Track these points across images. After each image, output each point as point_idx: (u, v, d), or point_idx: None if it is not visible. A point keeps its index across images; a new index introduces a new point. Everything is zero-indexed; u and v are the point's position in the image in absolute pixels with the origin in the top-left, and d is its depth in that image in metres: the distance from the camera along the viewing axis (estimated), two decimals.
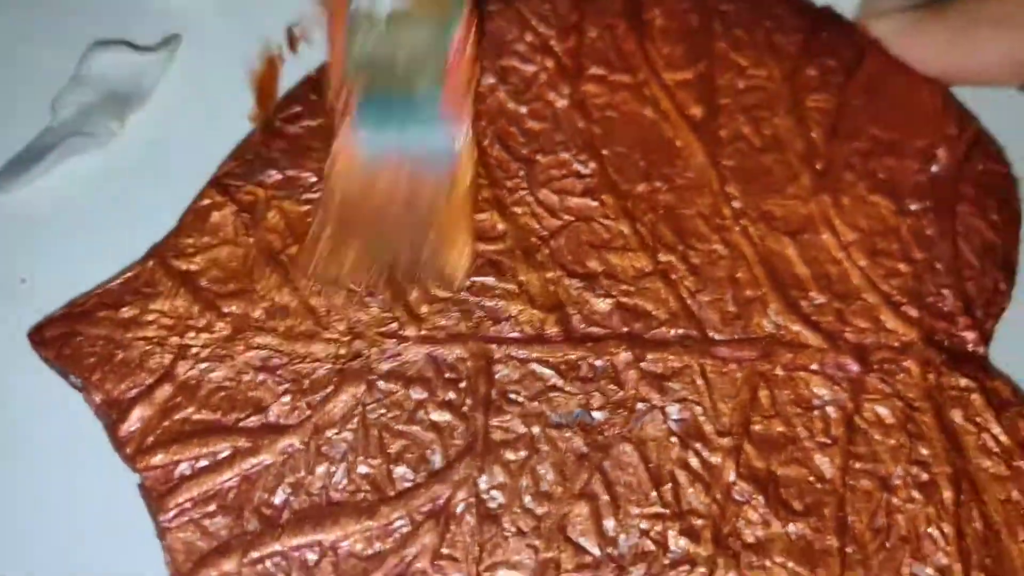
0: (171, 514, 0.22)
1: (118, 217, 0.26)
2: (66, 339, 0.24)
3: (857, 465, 0.24)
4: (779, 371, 0.25)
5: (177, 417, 0.23)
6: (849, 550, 0.23)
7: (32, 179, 0.27)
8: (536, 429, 0.23)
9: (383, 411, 0.23)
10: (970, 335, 0.26)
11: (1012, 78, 0.28)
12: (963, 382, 0.25)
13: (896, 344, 0.25)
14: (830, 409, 0.24)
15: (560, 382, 0.24)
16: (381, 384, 0.24)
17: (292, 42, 0.29)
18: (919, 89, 0.29)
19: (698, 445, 0.24)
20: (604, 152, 0.27)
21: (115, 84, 0.28)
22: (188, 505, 0.22)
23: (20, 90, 0.28)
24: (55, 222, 0.27)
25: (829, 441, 0.24)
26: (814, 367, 0.25)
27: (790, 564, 0.23)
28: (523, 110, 0.28)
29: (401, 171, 0.25)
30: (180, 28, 0.29)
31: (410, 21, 0.26)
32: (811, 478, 0.24)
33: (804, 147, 0.28)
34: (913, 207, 0.27)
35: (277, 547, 0.22)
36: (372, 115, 0.26)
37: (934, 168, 0.28)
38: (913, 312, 0.26)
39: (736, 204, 0.27)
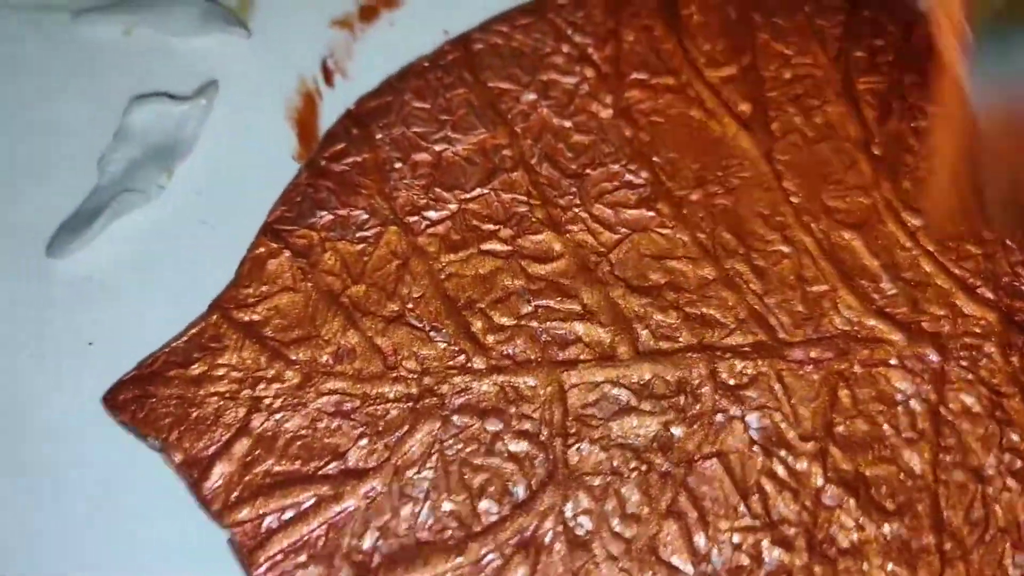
0: (263, 568, 0.22)
1: (176, 271, 0.26)
2: (140, 401, 0.24)
3: (947, 458, 0.23)
4: (857, 368, 0.24)
5: (258, 470, 0.23)
6: (948, 546, 0.23)
7: (86, 241, 0.27)
8: (616, 452, 0.23)
9: (460, 446, 0.23)
10: None
11: None
12: None
13: (976, 329, 0.25)
14: (914, 403, 0.24)
15: (635, 401, 0.24)
16: (455, 419, 0.23)
17: (327, 76, 0.29)
18: None
19: (782, 452, 0.23)
20: (655, 159, 0.27)
21: (158, 137, 0.28)
22: (279, 557, 0.22)
23: (65, 151, 0.28)
24: (114, 282, 0.27)
25: (916, 436, 0.24)
26: (893, 361, 0.24)
27: (889, 566, 0.22)
28: (567, 124, 0.27)
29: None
30: (213, 71, 0.29)
31: None
32: (901, 476, 0.23)
33: (859, 132, 0.27)
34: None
35: None
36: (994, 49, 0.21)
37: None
38: (989, 294, 0.25)
39: (795, 200, 0.26)
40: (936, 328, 0.25)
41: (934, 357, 0.24)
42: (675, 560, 0.22)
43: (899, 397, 0.24)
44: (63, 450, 0.24)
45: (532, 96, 0.28)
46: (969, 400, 0.24)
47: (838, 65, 0.28)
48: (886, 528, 0.23)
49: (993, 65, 0.21)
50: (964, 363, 0.24)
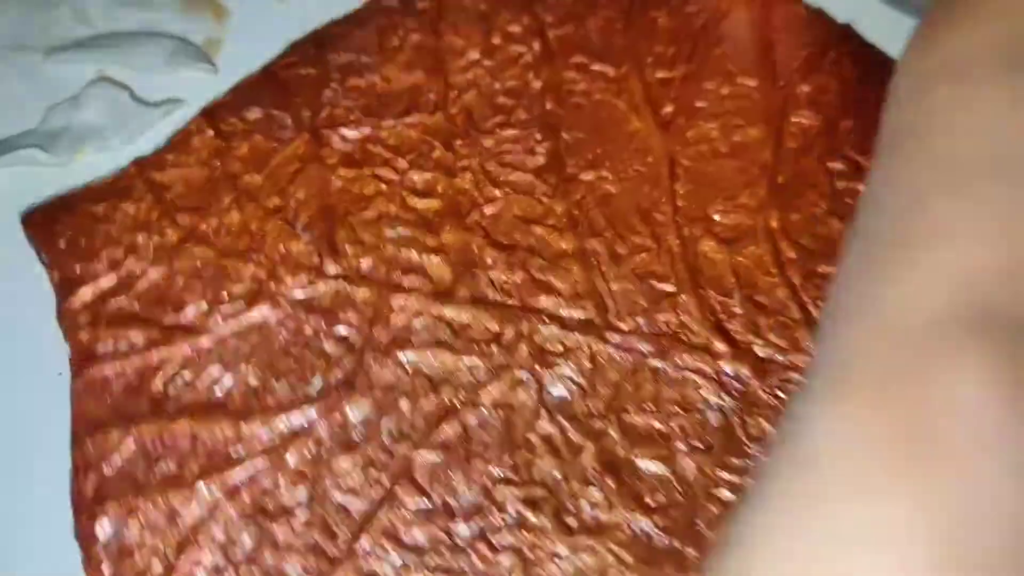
0: (81, 383, 0.25)
1: None
2: (48, 224, 0.27)
3: (724, 475, 0.23)
4: (670, 369, 0.24)
5: (112, 303, 0.26)
6: (691, 554, 0.23)
7: None
8: (416, 377, 0.25)
9: (283, 332, 0.25)
10: None
11: None
12: None
13: (805, 366, 0.24)
14: (711, 415, 0.24)
15: (451, 339, 0.25)
16: (288, 308, 0.26)
17: None
18: None
19: (564, 422, 0.24)
20: (563, 135, 0.28)
21: (101, 119, 0.29)
22: (99, 378, 0.25)
23: (42, 89, 0.30)
24: None
25: (702, 447, 0.24)
26: (709, 371, 0.24)
27: (624, 554, 0.23)
28: (497, 86, 0.29)
29: None
30: (185, 97, 0.30)
31: None
32: (673, 479, 0.23)
33: (771, 159, 0.27)
34: None
35: (156, 428, 0.24)
36: None
37: None
38: None
39: (680, 203, 0.27)
40: (766, 354, 0.25)
41: (751, 379, 0.24)
42: (423, 483, 0.23)
43: (701, 405, 0.24)
44: None
45: (476, 55, 0.29)
46: (769, 428, 0.24)
47: (779, 94, 0.28)
48: (637, 519, 0.23)
49: None
50: (780, 393, 0.24)
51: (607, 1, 0.30)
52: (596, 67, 0.29)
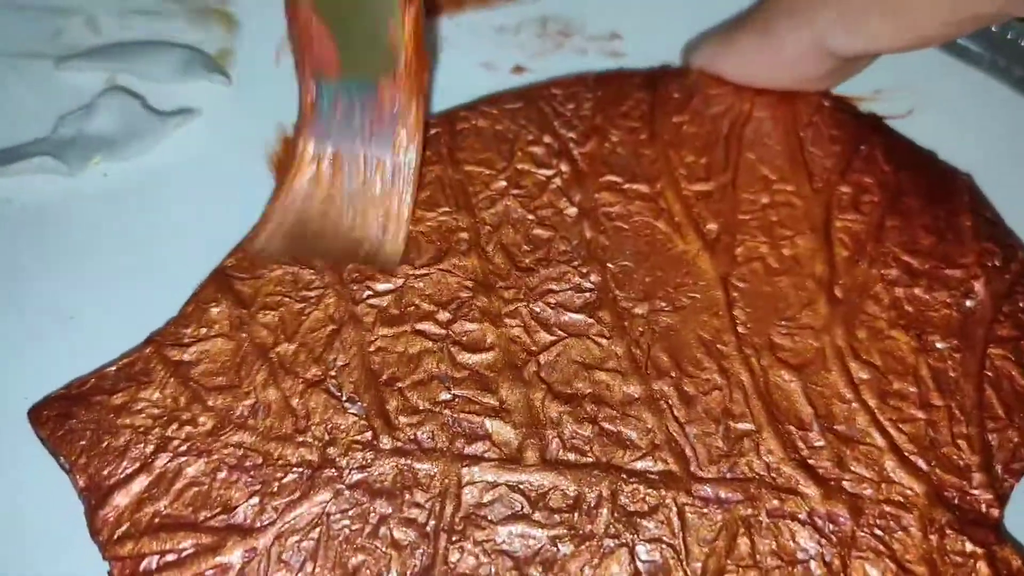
0: None
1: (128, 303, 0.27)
2: (60, 420, 0.25)
3: None
4: (764, 517, 0.23)
5: (149, 509, 0.24)
6: None
7: None
8: (497, 558, 0.23)
9: (347, 522, 0.23)
10: (985, 495, 0.24)
11: (821, 70, 0.28)
12: (969, 547, 0.23)
13: (899, 499, 0.24)
14: (814, 565, 0.23)
15: (529, 509, 0.23)
16: (348, 494, 0.24)
17: None
18: (959, 213, 0.27)
19: None
20: (609, 265, 0.27)
21: (112, 128, 0.29)
22: None
23: (52, 97, 0.30)
24: None
25: None
26: (802, 516, 0.23)
27: None
28: (531, 216, 0.27)
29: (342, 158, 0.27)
30: (198, 107, 0.30)
31: None
32: None
33: (825, 271, 0.26)
34: (939, 345, 0.25)
35: None
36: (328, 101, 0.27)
37: (968, 303, 0.26)
38: (923, 463, 0.24)
39: (742, 330, 0.26)
40: (857, 489, 0.24)
41: (846, 520, 0.23)
42: None
43: (800, 555, 0.23)
44: None
45: (503, 183, 0.28)
46: (874, 572, 0.23)
47: (820, 198, 0.28)
48: None
49: None
50: (878, 531, 0.23)
51: (627, 110, 0.29)
52: (629, 186, 0.28)
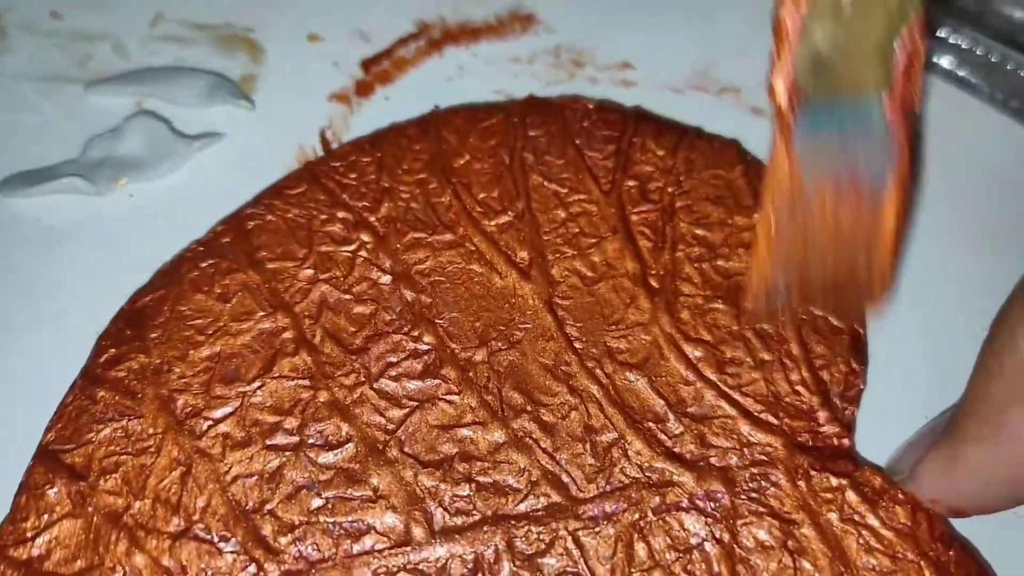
0: None
1: None
2: None
3: None
4: (651, 516, 0.24)
5: None
6: None
7: (28, 195, 0.30)
8: None
9: None
10: (833, 428, 0.26)
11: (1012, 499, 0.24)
12: (834, 481, 0.25)
13: (762, 457, 0.25)
14: (708, 545, 0.24)
15: None
16: None
17: (325, 145, 0.31)
18: (733, 174, 0.29)
19: None
20: (438, 322, 0.27)
21: (139, 151, 0.31)
22: None
23: (82, 120, 0.32)
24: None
25: None
26: (684, 503, 0.24)
27: None
28: (347, 297, 0.27)
29: (835, 185, 0.23)
30: (223, 131, 0.32)
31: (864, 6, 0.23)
32: None
33: (636, 266, 0.28)
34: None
35: None
36: (814, 121, 0.23)
37: None
38: (772, 418, 0.26)
39: (579, 345, 0.26)
40: (724, 462, 0.25)
41: (723, 493, 0.25)
42: None
43: (693, 541, 0.24)
44: None
45: (310, 271, 0.27)
46: (761, 534, 0.24)
47: (611, 198, 0.29)
48: None
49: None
50: (754, 495, 0.25)
51: (408, 165, 0.29)
52: (434, 238, 0.28)
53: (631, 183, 0.29)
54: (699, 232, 0.28)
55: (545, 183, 0.29)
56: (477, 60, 0.34)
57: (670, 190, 0.29)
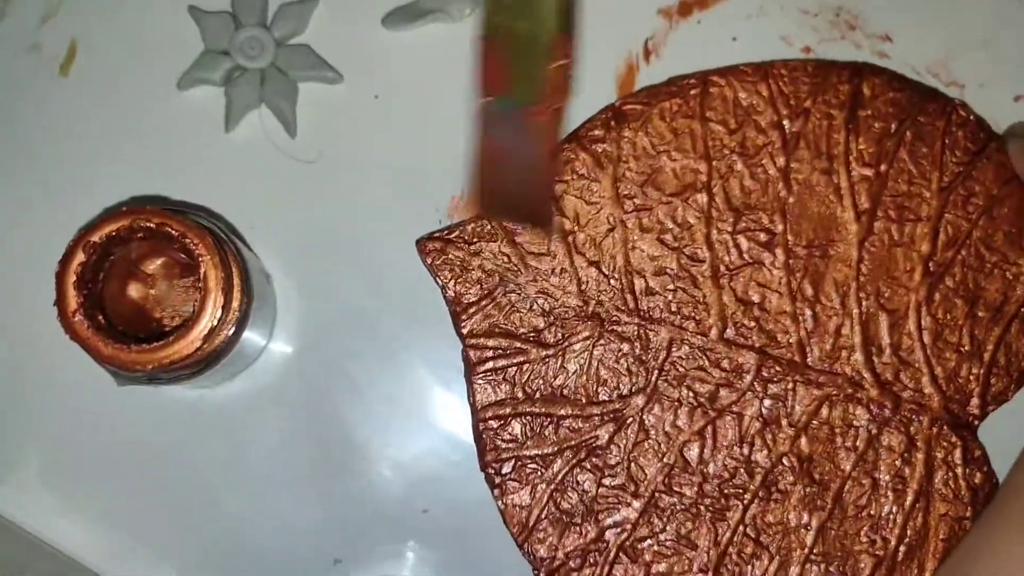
0: (479, 376, 0.40)
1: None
2: (438, 252, 0.41)
3: (866, 467, 0.40)
4: (841, 397, 0.40)
5: (496, 318, 0.40)
6: (834, 511, 0.40)
7: (407, 28, 0.42)
8: (685, 391, 0.40)
9: (600, 350, 0.40)
10: (974, 412, 0.40)
11: None
12: (953, 438, 0.40)
13: (924, 403, 0.40)
14: (861, 430, 0.40)
15: (707, 365, 0.40)
16: (606, 334, 0.40)
17: (647, 54, 0.42)
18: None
19: (772, 428, 0.40)
20: (788, 217, 0.41)
21: None
22: (490, 373, 0.40)
23: None
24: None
25: (852, 449, 0.40)
26: (864, 400, 0.40)
27: (793, 505, 0.40)
28: (746, 171, 0.41)
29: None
30: None
31: None
32: (832, 467, 0.40)
33: (928, 249, 0.40)
34: (980, 314, 0.40)
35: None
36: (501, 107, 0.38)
37: (1019, 290, 0.40)
38: (944, 385, 0.40)
39: (862, 278, 0.40)
40: (900, 392, 0.40)
41: (889, 409, 0.40)
42: (689, 454, 0.40)
43: (856, 423, 0.40)
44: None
45: (732, 142, 0.41)
46: (894, 441, 0.40)
47: (942, 195, 0.41)
48: (804, 489, 0.40)
49: None
50: (905, 418, 0.40)
51: (827, 96, 0.41)
52: (816, 161, 0.41)
53: (962, 192, 0.41)
54: (983, 251, 0.40)
55: (907, 160, 0.41)
56: (774, 4, 0.42)
57: (981, 217, 0.40)
